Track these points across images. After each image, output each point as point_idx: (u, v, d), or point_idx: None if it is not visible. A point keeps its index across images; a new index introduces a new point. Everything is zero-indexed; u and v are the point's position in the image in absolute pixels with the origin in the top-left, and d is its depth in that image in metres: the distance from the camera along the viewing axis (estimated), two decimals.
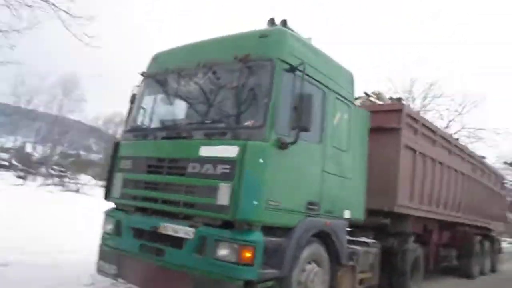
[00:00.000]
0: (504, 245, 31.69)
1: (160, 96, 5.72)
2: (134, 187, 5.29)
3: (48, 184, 25.17)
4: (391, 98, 9.31)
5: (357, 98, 9.03)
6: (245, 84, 4.75)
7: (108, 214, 5.57)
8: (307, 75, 4.91)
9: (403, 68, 26.71)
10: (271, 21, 5.19)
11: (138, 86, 6.01)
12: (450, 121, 26.32)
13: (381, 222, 7.58)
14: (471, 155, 11.55)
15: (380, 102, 8.75)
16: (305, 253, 4.92)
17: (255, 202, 4.27)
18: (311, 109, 4.49)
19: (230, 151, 4.41)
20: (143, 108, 5.85)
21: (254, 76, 4.72)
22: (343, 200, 5.67)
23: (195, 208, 4.57)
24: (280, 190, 4.59)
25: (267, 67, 4.64)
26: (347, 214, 5.74)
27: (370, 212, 7.60)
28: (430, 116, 26.12)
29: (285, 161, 4.62)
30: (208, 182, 4.46)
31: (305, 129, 4.48)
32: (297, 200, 4.84)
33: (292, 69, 4.70)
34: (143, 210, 5.17)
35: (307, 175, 4.98)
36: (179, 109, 5.58)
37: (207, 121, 4.99)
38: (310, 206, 4.98)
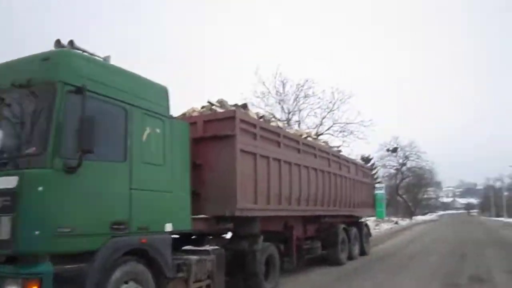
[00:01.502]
0: (390, 225, 34.80)
1: None
2: None
3: None
4: (235, 105, 9.57)
5: (203, 106, 9.25)
6: (28, 111, 4.60)
7: None
8: (102, 94, 4.89)
9: (277, 70, 27.65)
10: (57, 43, 5.05)
11: None
12: (323, 118, 28.09)
13: (224, 228, 7.77)
14: (325, 150, 12.33)
15: (223, 110, 8.98)
16: (118, 273, 4.87)
17: (36, 232, 4.12)
18: (91, 130, 4.43)
19: (10, 182, 4.21)
20: None
21: (37, 102, 4.57)
22: (163, 214, 5.71)
23: None
24: (73, 215, 4.48)
25: (48, 91, 4.52)
26: (168, 227, 5.78)
27: (217, 219, 7.86)
28: (305, 115, 27.71)
29: (76, 185, 4.52)
30: None
31: (88, 151, 4.43)
32: (97, 222, 4.75)
33: (79, 90, 4.61)
34: None
35: (108, 195, 4.92)
36: None
37: None
38: (115, 226, 4.92)
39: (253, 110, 20.64)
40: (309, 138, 12.15)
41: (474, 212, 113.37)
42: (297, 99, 27.34)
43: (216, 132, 7.85)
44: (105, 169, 4.91)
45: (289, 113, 27.28)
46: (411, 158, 59.05)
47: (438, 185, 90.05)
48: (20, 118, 4.60)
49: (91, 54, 5.26)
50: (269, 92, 26.69)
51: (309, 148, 11.08)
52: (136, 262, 5.21)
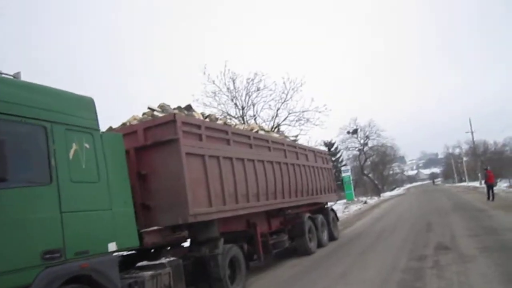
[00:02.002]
0: (359, 206, 35.27)
1: None
2: None
3: None
4: (178, 108, 9.22)
5: (144, 113, 8.83)
6: None
7: None
8: (13, 115, 4.47)
9: (225, 67, 27.05)
10: None
11: None
12: (278, 109, 27.98)
13: (179, 236, 7.44)
14: (279, 142, 12.16)
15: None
16: None
17: None
18: (2, 155, 4.01)
19: None
20: None
21: None
22: (103, 234, 5.32)
23: None
24: None
25: None
26: (112, 247, 5.40)
27: (173, 228, 7.50)
28: (259, 109, 27.56)
29: None
30: None
31: (0, 179, 4.01)
32: (26, 255, 4.34)
33: None
34: None
35: (35, 223, 4.50)
36: None
37: None
38: (47, 256, 4.52)
39: (206, 110, 20.17)
40: (261, 132, 11.91)
41: (438, 181, 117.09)
42: (249, 93, 27.00)
43: (158, 139, 7.50)
44: (27, 194, 4.48)
45: (242, 108, 26.96)
46: (372, 137, 60.48)
47: (401, 159, 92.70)
48: None
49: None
50: (220, 90, 26.29)
51: (262, 142, 10.86)
52: None
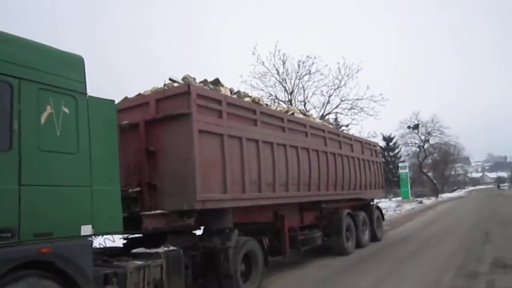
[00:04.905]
0: (412, 205, 33.14)
1: None
2: None
3: None
4: (204, 81, 8.31)
5: (165, 85, 8.01)
6: None
7: None
8: None
9: (275, 48, 25.56)
10: None
11: None
12: (330, 96, 26.36)
13: (184, 224, 6.58)
14: (318, 127, 10.96)
15: None
16: None
17: None
18: None
19: None
20: None
21: None
22: (76, 214, 4.52)
23: None
24: None
25: None
26: (86, 230, 4.58)
27: (180, 214, 6.67)
28: (309, 94, 26.11)
29: None
30: None
31: None
32: None
33: None
34: None
35: None
36: None
37: None
38: None
39: (254, 93, 19.07)
40: (298, 115, 10.75)
41: (505, 186, 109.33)
42: (299, 77, 25.58)
43: (169, 112, 6.65)
44: None
45: (291, 93, 25.59)
46: (434, 134, 56.76)
47: (466, 160, 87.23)
48: None
49: None
50: (269, 71, 25.09)
51: (298, 126, 9.73)
52: (39, 278, 4.08)
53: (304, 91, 25.85)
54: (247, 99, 8.72)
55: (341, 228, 11.27)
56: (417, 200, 39.83)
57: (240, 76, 26.08)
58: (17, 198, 3.97)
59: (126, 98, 7.78)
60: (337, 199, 11.75)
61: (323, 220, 11.27)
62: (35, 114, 4.28)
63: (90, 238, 4.66)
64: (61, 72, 4.63)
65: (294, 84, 25.51)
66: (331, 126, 12.73)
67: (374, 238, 13.49)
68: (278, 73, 25.26)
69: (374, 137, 27.03)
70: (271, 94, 25.11)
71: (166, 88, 7.65)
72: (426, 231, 15.91)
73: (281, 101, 24.93)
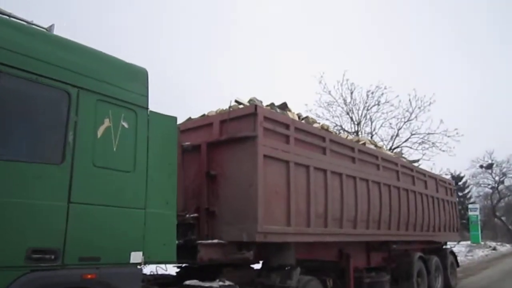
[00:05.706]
0: (486, 252, 30.41)
1: None
2: None
3: None
4: (271, 104, 7.85)
5: (230, 107, 7.64)
6: None
7: None
8: (27, 71, 3.50)
9: (343, 77, 24.74)
10: None
11: None
12: (399, 128, 25.05)
13: (242, 257, 6.00)
14: (391, 160, 10.09)
15: None
16: None
17: None
18: None
19: None
20: None
21: None
22: (127, 239, 4.10)
23: None
24: None
25: None
26: (136, 257, 4.13)
27: (238, 245, 6.13)
28: (377, 126, 24.96)
29: None
30: None
31: None
32: (5, 250, 3.26)
33: None
34: None
35: (25, 209, 3.41)
36: None
37: None
38: (36, 256, 3.39)
39: (319, 122, 18.52)
40: (369, 146, 9.96)
41: None
42: (368, 107, 24.65)
43: (233, 134, 6.21)
44: (24, 172, 3.43)
45: (358, 124, 24.65)
46: (510, 175, 52.64)
47: None
48: None
49: (28, 23, 3.91)
50: (336, 101, 24.40)
51: (369, 157, 8.94)
52: None
53: (371, 122, 24.86)
54: (316, 125, 8.12)
55: (412, 273, 10.16)
56: (490, 246, 36.61)
57: (305, 104, 25.66)
58: (64, 216, 3.61)
59: (189, 119, 7.48)
60: (408, 240, 10.71)
61: (392, 262, 10.25)
62: (92, 126, 3.96)
63: (139, 266, 4.21)
64: (123, 83, 4.33)
65: (361, 115, 24.64)
66: (404, 160, 11.75)
67: (447, 286, 12.16)
68: (345, 102, 24.55)
69: (446, 174, 25.17)
70: (336, 124, 24.35)
71: (231, 109, 7.26)
72: (506, 284, 14.18)
73: (347, 131, 24.06)
